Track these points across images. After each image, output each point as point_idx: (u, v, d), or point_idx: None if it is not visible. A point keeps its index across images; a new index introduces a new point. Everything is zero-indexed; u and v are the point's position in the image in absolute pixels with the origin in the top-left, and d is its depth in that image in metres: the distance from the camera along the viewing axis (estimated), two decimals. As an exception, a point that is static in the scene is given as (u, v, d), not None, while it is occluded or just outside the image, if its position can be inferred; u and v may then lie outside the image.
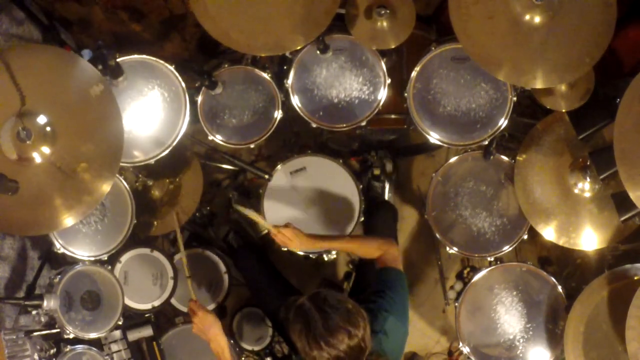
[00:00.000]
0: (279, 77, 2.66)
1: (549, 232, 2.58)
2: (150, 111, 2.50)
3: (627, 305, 2.21)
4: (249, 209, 2.39)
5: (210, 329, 2.26)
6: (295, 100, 2.62)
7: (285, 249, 2.72)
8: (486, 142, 2.59)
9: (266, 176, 2.62)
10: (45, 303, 2.19)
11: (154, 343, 2.70)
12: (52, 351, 2.36)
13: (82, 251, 2.47)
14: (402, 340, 2.13)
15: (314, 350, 1.81)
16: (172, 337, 2.81)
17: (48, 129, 1.99)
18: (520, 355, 2.70)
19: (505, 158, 2.67)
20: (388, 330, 2.04)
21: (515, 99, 2.51)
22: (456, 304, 2.73)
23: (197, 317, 2.27)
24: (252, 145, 2.69)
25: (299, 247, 2.35)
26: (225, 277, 2.88)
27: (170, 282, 2.66)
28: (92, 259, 2.47)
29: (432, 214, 2.73)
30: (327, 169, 2.77)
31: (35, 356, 2.25)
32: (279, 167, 2.75)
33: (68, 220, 2.02)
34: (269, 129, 2.65)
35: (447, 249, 2.74)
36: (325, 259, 2.85)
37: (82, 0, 2.66)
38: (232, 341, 2.73)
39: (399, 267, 2.25)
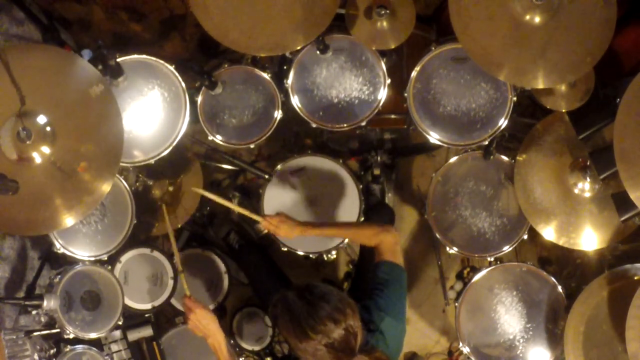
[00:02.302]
0: (279, 77, 2.66)
1: (549, 232, 2.58)
2: (150, 111, 2.50)
3: (627, 305, 2.21)
4: (213, 194, 2.38)
5: (208, 325, 2.23)
6: (295, 100, 2.62)
7: (285, 249, 2.74)
8: (486, 142, 2.59)
9: (266, 176, 2.62)
10: (45, 303, 2.19)
11: (154, 343, 2.70)
12: (52, 351, 2.36)
13: (82, 251, 2.47)
14: (400, 338, 2.12)
15: (303, 342, 1.80)
16: (172, 337, 2.81)
17: (48, 129, 1.99)
18: (520, 355, 2.70)
19: (505, 158, 2.67)
20: (385, 330, 2.02)
21: (515, 99, 2.51)
22: (456, 304, 2.73)
23: (193, 315, 2.24)
24: (252, 145, 2.69)
25: (288, 233, 2.31)
26: (225, 277, 2.88)
27: (170, 282, 2.66)
28: (92, 259, 2.47)
29: (432, 214, 2.73)
30: (327, 169, 2.77)
31: (35, 356, 2.25)
32: (279, 167, 2.75)
33: (68, 220, 2.02)
34: (269, 129, 2.65)
35: (447, 249, 2.74)
36: (325, 259, 2.85)
37: (82, 0, 2.66)
38: (231, 341, 2.73)
39: (396, 260, 2.18)
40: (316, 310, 1.79)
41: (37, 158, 1.99)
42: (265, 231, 2.89)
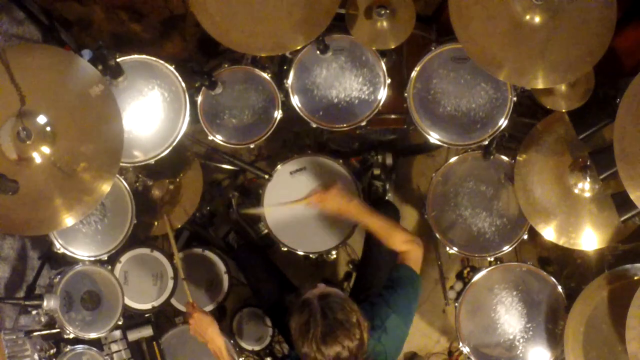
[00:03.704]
0: (279, 77, 2.66)
1: (549, 232, 2.58)
2: (150, 111, 2.50)
3: (627, 305, 2.21)
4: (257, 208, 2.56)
5: (207, 330, 2.25)
6: (295, 100, 2.62)
7: (285, 249, 2.74)
8: (486, 142, 2.59)
9: (266, 176, 2.62)
10: (45, 303, 2.19)
11: (154, 343, 2.70)
12: (52, 351, 2.37)
13: (82, 251, 2.47)
14: (401, 339, 2.14)
15: (305, 347, 1.86)
16: (172, 337, 2.82)
17: (48, 129, 1.99)
18: (520, 355, 2.70)
19: (505, 158, 2.67)
20: (388, 328, 2.05)
21: (515, 99, 2.51)
22: (456, 304, 2.73)
23: (193, 319, 2.26)
24: (252, 145, 2.68)
25: (336, 207, 2.37)
26: (225, 277, 2.88)
27: (170, 282, 2.66)
28: (92, 259, 2.47)
29: (432, 214, 2.73)
30: (327, 169, 2.77)
31: (35, 356, 2.25)
32: (279, 167, 2.75)
33: (68, 220, 2.03)
34: (269, 129, 2.65)
35: (447, 249, 2.73)
36: (325, 259, 2.85)
37: (82, 0, 2.66)
38: (231, 341, 2.73)
39: (416, 268, 2.22)
40: (332, 335, 1.84)
41: (37, 158, 1.99)
42: (265, 231, 2.89)
